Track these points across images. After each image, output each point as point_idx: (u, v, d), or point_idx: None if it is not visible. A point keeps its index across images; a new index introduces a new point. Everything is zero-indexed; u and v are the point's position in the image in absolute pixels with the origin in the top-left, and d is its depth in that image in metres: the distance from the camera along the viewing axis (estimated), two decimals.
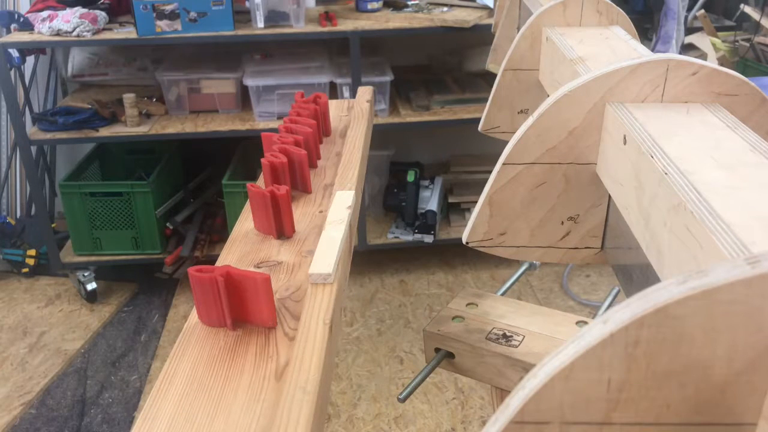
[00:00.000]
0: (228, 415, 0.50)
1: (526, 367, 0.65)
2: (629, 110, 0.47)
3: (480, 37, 2.35)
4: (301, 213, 0.76)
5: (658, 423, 0.27)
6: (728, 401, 0.26)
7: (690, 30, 2.52)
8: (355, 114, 0.98)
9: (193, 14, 2.16)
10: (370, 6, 2.40)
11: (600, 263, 0.59)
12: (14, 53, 2.27)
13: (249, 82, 2.33)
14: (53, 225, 2.66)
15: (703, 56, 2.38)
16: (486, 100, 0.84)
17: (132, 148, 2.69)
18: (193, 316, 0.60)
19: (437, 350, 0.71)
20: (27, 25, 2.26)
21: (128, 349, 2.32)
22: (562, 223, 0.56)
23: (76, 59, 2.63)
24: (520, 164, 0.53)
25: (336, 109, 1.03)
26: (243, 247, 0.71)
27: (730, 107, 0.48)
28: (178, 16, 2.15)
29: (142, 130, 2.32)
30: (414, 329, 2.37)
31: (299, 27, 2.25)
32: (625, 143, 0.45)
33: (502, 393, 0.68)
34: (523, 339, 0.68)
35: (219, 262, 0.68)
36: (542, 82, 0.78)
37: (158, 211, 2.48)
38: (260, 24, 2.22)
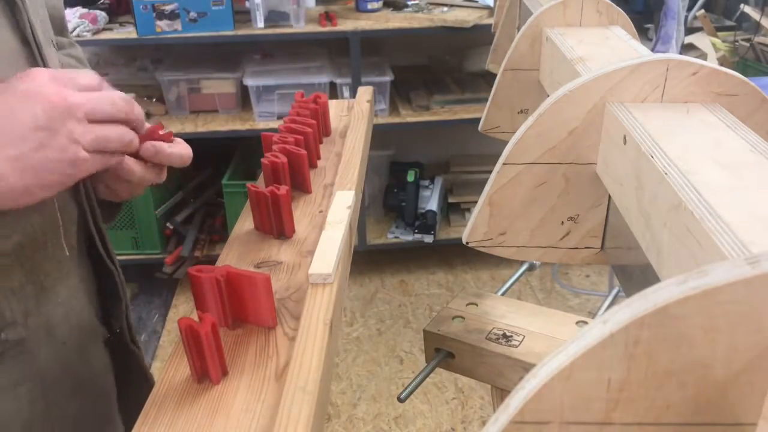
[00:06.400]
0: (228, 415, 0.50)
1: (526, 367, 0.65)
2: (629, 110, 0.47)
3: (480, 37, 2.35)
4: (301, 213, 0.76)
5: (658, 423, 0.27)
6: (728, 401, 0.26)
7: (690, 30, 2.52)
8: (355, 114, 0.98)
9: (193, 14, 2.16)
10: (370, 6, 2.40)
11: (600, 263, 0.59)
12: None
13: (249, 82, 2.32)
14: None
15: (703, 56, 2.38)
16: (486, 100, 0.84)
17: None
18: (194, 317, 0.59)
19: (437, 350, 0.71)
20: None
21: None
22: (562, 223, 0.56)
23: None
24: (520, 164, 0.53)
25: (336, 109, 1.03)
26: (243, 247, 0.71)
27: (730, 107, 0.48)
28: (178, 16, 2.15)
29: None
30: (414, 329, 2.37)
31: (299, 27, 2.25)
32: (625, 143, 0.45)
33: (502, 393, 0.68)
34: (523, 339, 0.68)
35: (219, 262, 0.68)
36: (542, 82, 0.78)
37: (158, 211, 2.48)
38: (260, 24, 2.22)
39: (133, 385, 0.81)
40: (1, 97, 0.53)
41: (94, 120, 0.55)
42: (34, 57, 0.65)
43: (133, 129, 0.60)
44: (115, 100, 0.57)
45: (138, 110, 0.60)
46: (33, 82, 0.54)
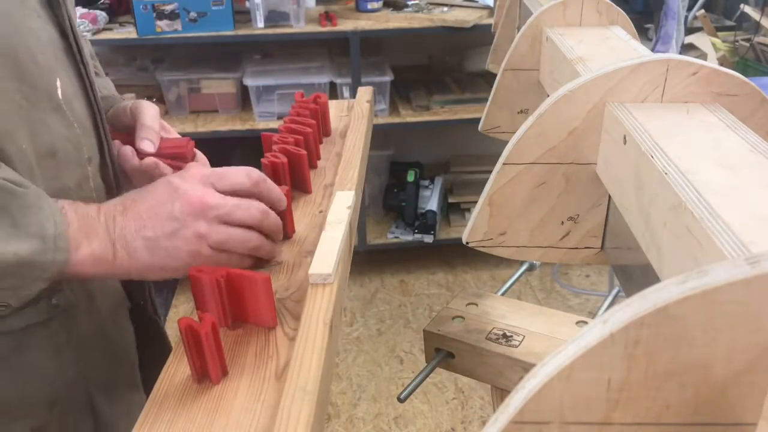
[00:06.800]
0: (228, 415, 0.50)
1: (526, 367, 0.65)
2: (629, 110, 0.47)
3: (480, 37, 2.35)
4: (301, 213, 0.76)
5: (658, 423, 0.27)
6: (728, 401, 0.26)
7: (690, 30, 2.52)
8: (355, 114, 0.98)
9: (193, 14, 2.16)
10: (370, 6, 2.40)
11: (600, 263, 0.59)
12: None
13: (249, 82, 2.32)
14: None
15: (703, 56, 2.38)
16: (486, 100, 0.84)
17: None
18: (194, 317, 0.59)
19: (437, 350, 0.71)
20: None
21: None
22: (562, 223, 0.56)
23: None
24: (520, 164, 0.53)
25: (336, 109, 1.03)
26: None
27: (730, 107, 0.48)
28: (178, 16, 2.15)
29: None
30: (414, 329, 2.37)
31: (299, 27, 2.25)
32: (625, 143, 0.45)
33: (502, 393, 0.68)
34: (523, 339, 0.68)
35: None
36: (542, 82, 0.78)
37: None
38: (260, 24, 2.22)
39: (155, 356, 0.86)
40: (160, 187, 0.62)
41: (227, 223, 0.62)
42: (72, 49, 0.70)
43: (268, 234, 0.65)
44: (251, 210, 0.63)
45: (274, 220, 0.66)
46: (185, 179, 0.62)
